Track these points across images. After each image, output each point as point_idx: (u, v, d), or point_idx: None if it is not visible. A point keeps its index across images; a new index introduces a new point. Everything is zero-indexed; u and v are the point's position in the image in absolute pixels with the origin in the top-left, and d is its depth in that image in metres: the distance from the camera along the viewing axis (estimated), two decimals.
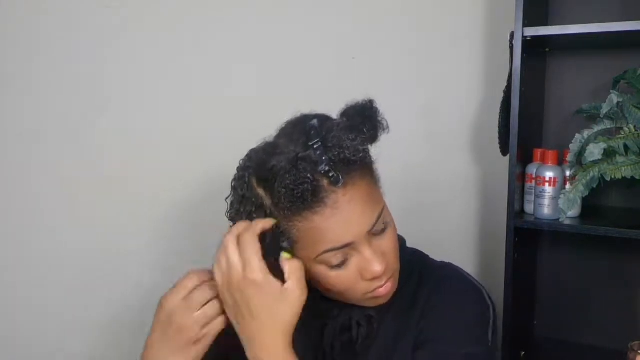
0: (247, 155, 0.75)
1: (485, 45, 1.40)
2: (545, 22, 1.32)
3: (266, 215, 0.71)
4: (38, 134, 1.42)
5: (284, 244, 0.71)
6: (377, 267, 0.70)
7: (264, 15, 1.46)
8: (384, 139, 1.47)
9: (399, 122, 1.44)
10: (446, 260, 0.89)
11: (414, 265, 0.84)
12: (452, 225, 1.49)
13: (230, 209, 0.75)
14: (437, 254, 0.90)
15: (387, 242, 0.73)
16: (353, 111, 0.74)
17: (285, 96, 1.44)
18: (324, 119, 0.73)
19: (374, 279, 0.71)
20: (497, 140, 1.22)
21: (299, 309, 0.70)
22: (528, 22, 1.12)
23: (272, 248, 0.71)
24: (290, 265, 0.70)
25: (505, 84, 1.18)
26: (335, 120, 0.74)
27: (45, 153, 1.42)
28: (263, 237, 0.71)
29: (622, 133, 1.11)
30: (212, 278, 0.72)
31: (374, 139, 0.74)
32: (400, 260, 0.78)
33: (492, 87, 1.37)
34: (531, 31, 1.12)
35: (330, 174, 0.67)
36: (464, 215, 1.47)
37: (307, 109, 0.76)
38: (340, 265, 0.71)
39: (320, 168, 0.66)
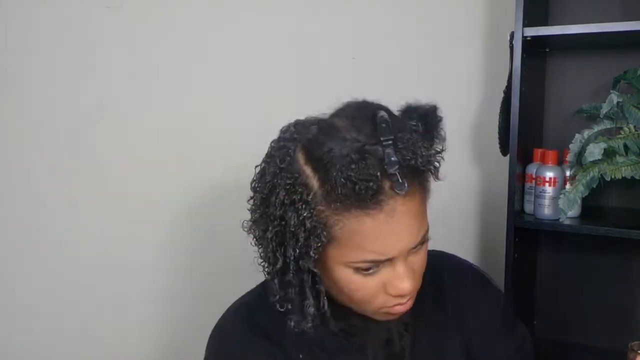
0: (294, 125, 0.66)
1: (485, 45, 1.40)
2: (545, 22, 1.32)
3: (308, 199, 0.61)
4: (37, 133, 1.42)
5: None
6: (407, 285, 0.64)
7: (264, 15, 1.46)
8: None
9: None
10: None
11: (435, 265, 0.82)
12: (452, 225, 1.48)
13: (259, 181, 0.66)
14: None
15: (420, 261, 0.68)
16: (417, 115, 0.69)
17: (285, 96, 1.44)
18: (391, 113, 0.66)
19: (398, 296, 0.66)
20: (497, 140, 1.22)
21: None
22: (528, 22, 1.12)
23: None
24: None
25: (505, 84, 1.18)
26: (405, 119, 0.68)
27: (45, 153, 1.42)
28: None
29: (622, 133, 1.11)
30: None
31: (440, 151, 0.70)
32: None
33: (492, 87, 1.37)
34: (531, 31, 1.12)
35: (395, 178, 0.60)
36: (464, 215, 1.47)
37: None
38: (370, 272, 0.64)
39: (389, 169, 0.60)
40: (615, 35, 1.12)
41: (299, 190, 0.61)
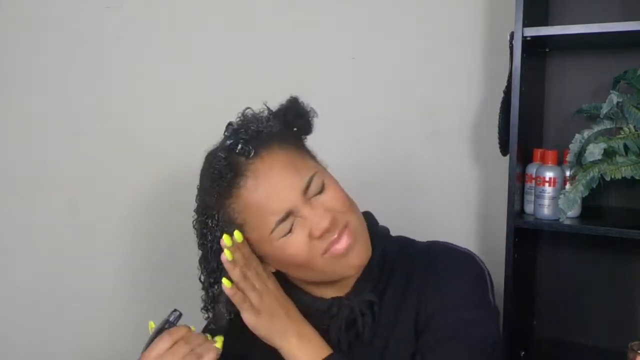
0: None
1: (485, 45, 1.40)
2: (545, 22, 1.32)
3: (211, 216, 0.76)
4: (37, 134, 1.42)
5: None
6: (323, 223, 0.71)
7: (264, 15, 1.46)
8: (383, 138, 1.48)
9: (399, 122, 1.46)
10: None
11: (405, 250, 0.84)
12: (452, 225, 1.48)
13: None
14: None
15: (328, 199, 0.74)
16: (278, 109, 0.81)
17: (285, 96, 1.44)
18: (253, 111, 0.81)
19: (324, 234, 0.72)
20: (497, 140, 1.22)
21: None
22: (528, 22, 1.12)
23: None
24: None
25: (505, 84, 1.18)
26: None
27: (45, 153, 1.42)
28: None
29: (622, 133, 1.11)
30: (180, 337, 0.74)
31: (307, 131, 0.80)
32: (388, 246, 0.80)
33: (492, 87, 1.37)
34: (531, 31, 1.12)
35: (239, 147, 0.72)
36: (464, 215, 1.47)
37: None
38: (289, 233, 0.72)
39: (229, 145, 0.73)
40: (615, 35, 1.12)
41: (208, 210, 0.77)
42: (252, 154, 0.72)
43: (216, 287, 0.75)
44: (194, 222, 0.80)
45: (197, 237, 0.80)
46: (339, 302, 0.79)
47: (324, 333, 0.79)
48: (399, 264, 0.82)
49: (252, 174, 0.72)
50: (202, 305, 0.79)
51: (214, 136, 1.44)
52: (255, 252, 0.76)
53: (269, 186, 0.72)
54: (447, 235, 1.48)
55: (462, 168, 1.46)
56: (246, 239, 0.75)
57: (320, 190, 0.74)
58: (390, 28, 1.45)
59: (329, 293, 0.80)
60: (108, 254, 1.47)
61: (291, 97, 0.81)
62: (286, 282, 0.80)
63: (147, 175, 1.47)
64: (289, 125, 0.78)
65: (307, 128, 0.80)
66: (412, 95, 1.46)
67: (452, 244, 0.86)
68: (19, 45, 1.40)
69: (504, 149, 1.20)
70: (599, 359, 1.34)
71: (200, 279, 0.79)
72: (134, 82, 1.44)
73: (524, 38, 1.12)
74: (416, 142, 1.47)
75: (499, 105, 1.20)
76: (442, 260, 0.82)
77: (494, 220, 1.40)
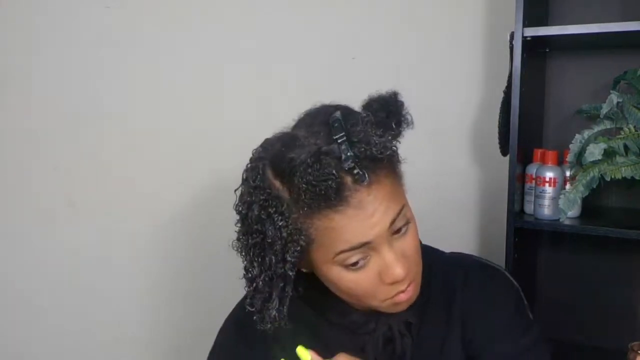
0: (261, 146, 0.70)
1: (485, 46, 1.40)
2: (545, 23, 1.32)
3: (282, 209, 0.65)
4: (38, 134, 1.42)
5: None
6: (398, 270, 0.66)
7: (264, 15, 1.46)
8: None
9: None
10: None
11: (435, 262, 0.81)
12: (452, 225, 1.48)
13: (239, 201, 0.69)
14: None
15: (408, 244, 0.69)
16: (377, 104, 0.71)
17: (285, 96, 1.45)
18: (346, 111, 0.69)
19: (395, 282, 0.67)
20: (497, 140, 1.22)
21: None
22: (528, 22, 1.12)
23: None
24: None
25: (505, 84, 1.18)
26: (359, 113, 0.69)
27: (45, 153, 1.42)
28: None
29: (622, 133, 1.11)
30: None
31: (398, 134, 0.71)
32: (423, 259, 0.75)
33: (492, 87, 1.37)
34: (531, 31, 1.12)
35: (355, 171, 0.62)
36: (464, 215, 1.47)
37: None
38: (360, 267, 0.66)
39: (345, 165, 0.62)
40: (615, 36, 1.12)
41: (273, 203, 0.65)
42: (366, 182, 0.63)
43: (270, 285, 0.68)
44: (244, 205, 0.68)
45: (244, 217, 0.68)
46: (377, 318, 0.75)
47: (360, 350, 0.76)
48: (433, 278, 0.79)
49: (356, 202, 0.63)
50: (247, 301, 0.70)
51: (215, 136, 1.45)
52: (307, 263, 0.70)
53: (365, 218, 0.64)
54: (447, 235, 1.49)
55: (462, 168, 1.46)
56: (308, 253, 0.68)
57: (403, 228, 0.68)
58: (390, 28, 1.45)
59: (366, 306, 0.74)
60: (108, 254, 1.47)
61: (393, 92, 0.72)
62: (322, 286, 0.74)
63: (147, 175, 1.47)
64: (393, 134, 0.70)
65: (399, 133, 0.72)
66: (411, 95, 1.46)
67: (481, 258, 0.85)
68: (19, 45, 1.40)
69: (504, 149, 1.20)
70: (599, 359, 1.34)
71: (245, 266, 0.70)
72: (134, 82, 1.44)
73: (524, 38, 1.12)
74: (416, 142, 1.46)
75: (499, 105, 1.20)
76: (482, 279, 0.80)
77: (494, 220, 1.40)
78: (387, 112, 0.70)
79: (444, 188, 1.47)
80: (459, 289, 0.78)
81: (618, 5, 1.27)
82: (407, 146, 1.53)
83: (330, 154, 0.62)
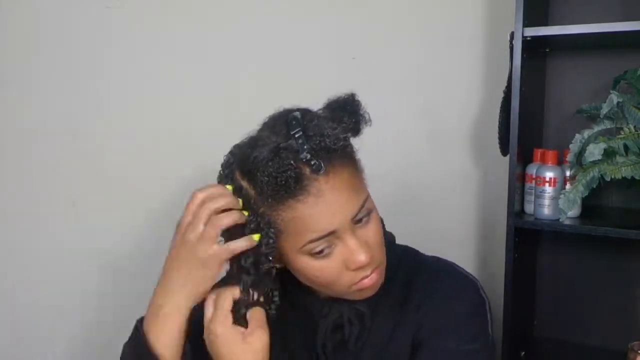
0: (230, 152, 0.77)
1: (485, 45, 1.40)
2: (545, 22, 1.32)
3: (250, 207, 0.71)
4: (38, 134, 1.42)
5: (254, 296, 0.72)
6: (362, 257, 0.70)
7: (264, 15, 1.46)
8: (383, 138, 1.47)
9: (399, 122, 1.46)
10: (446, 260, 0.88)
11: (404, 261, 0.84)
12: (452, 225, 1.48)
13: None
14: (436, 254, 0.90)
15: (371, 233, 0.73)
16: (335, 104, 0.75)
17: (285, 96, 1.44)
18: (305, 111, 0.74)
19: (359, 268, 0.71)
20: (497, 140, 1.22)
21: (262, 350, 0.71)
22: (528, 22, 1.12)
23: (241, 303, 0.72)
24: (251, 313, 0.72)
25: (505, 84, 1.18)
26: (316, 111, 0.75)
27: (46, 153, 1.42)
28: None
29: (622, 133, 1.11)
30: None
31: (356, 131, 0.75)
32: (390, 256, 0.78)
33: (492, 87, 1.37)
34: (531, 31, 1.12)
35: (312, 162, 0.67)
36: (464, 216, 1.47)
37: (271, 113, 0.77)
38: (325, 255, 0.71)
39: (302, 156, 0.67)
40: (615, 35, 1.12)
41: (244, 202, 0.72)
42: (322, 172, 0.68)
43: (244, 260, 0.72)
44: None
45: None
46: (330, 304, 0.79)
47: (313, 332, 0.79)
48: (397, 275, 0.81)
49: (315, 191, 0.68)
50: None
51: (215, 136, 1.45)
52: (278, 257, 0.74)
53: (326, 207, 0.68)
54: (447, 235, 1.49)
55: (462, 168, 1.46)
56: (278, 245, 0.72)
57: (365, 219, 0.72)
58: (391, 28, 1.45)
59: (323, 293, 0.79)
60: (108, 254, 1.47)
61: (350, 93, 0.76)
62: (287, 272, 0.78)
63: (147, 174, 1.47)
64: (345, 127, 0.73)
65: (356, 129, 0.75)
66: (412, 95, 1.46)
67: (457, 265, 0.85)
68: (19, 45, 1.40)
69: (504, 149, 1.20)
70: (599, 359, 1.34)
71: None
72: (134, 82, 1.44)
73: (524, 38, 1.12)
74: (416, 142, 1.47)
75: (499, 105, 1.20)
76: (445, 280, 0.81)
77: (494, 220, 1.40)
78: (343, 110, 0.74)
79: (444, 188, 1.47)
80: (420, 283, 0.80)
81: (618, 5, 1.28)
82: (407, 146, 1.54)
83: (288, 149, 0.68)
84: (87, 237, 1.45)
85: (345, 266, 0.71)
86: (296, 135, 0.68)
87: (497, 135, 1.22)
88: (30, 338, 1.46)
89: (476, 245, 1.48)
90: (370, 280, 0.73)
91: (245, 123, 1.53)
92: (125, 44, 1.43)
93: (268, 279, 0.74)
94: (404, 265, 0.83)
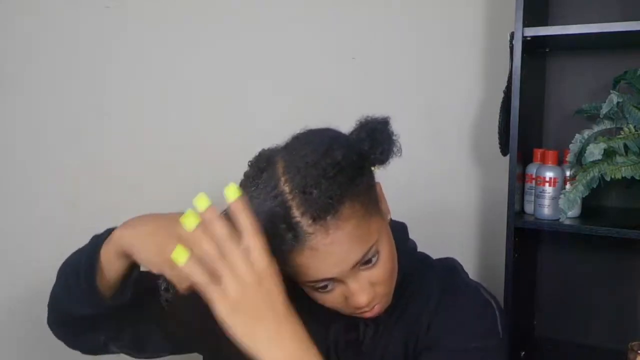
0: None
1: (485, 45, 1.40)
2: (545, 22, 1.32)
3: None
4: (38, 134, 1.42)
5: None
6: (362, 300, 0.67)
7: (264, 15, 1.46)
8: None
9: (399, 122, 1.45)
10: None
11: (423, 273, 0.81)
12: (452, 225, 1.49)
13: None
14: (436, 254, 0.90)
15: (376, 273, 0.68)
16: (364, 133, 0.71)
17: (285, 96, 1.45)
18: (323, 146, 0.66)
19: (359, 307, 0.69)
20: (497, 140, 1.23)
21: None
22: (528, 22, 1.12)
23: None
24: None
25: (505, 84, 1.18)
26: (322, 156, 0.65)
27: (46, 153, 1.42)
28: None
29: (622, 133, 1.11)
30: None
31: (382, 162, 0.70)
32: (412, 266, 0.76)
33: (492, 87, 1.37)
34: (531, 31, 1.12)
35: (305, 222, 0.62)
36: (464, 215, 1.47)
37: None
38: (327, 290, 0.68)
39: (296, 220, 0.62)
40: (615, 35, 1.12)
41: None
42: (317, 231, 0.62)
43: None
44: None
45: None
46: None
47: (325, 332, 0.78)
48: (421, 288, 0.79)
49: (311, 245, 0.62)
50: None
51: (215, 136, 1.45)
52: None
53: (323, 259, 0.63)
54: (447, 235, 1.49)
55: (462, 168, 1.46)
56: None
57: (373, 259, 0.67)
58: (391, 28, 1.45)
59: None
60: None
61: (384, 120, 0.71)
62: None
63: (148, 174, 1.47)
64: (365, 158, 0.68)
65: (382, 160, 0.70)
66: (412, 95, 1.46)
67: (467, 277, 0.83)
68: (19, 46, 1.40)
69: (504, 149, 1.20)
70: (599, 359, 1.34)
71: None
72: (134, 81, 1.44)
73: (524, 38, 1.12)
74: (416, 142, 1.47)
75: (499, 105, 1.20)
76: (455, 293, 0.79)
77: (494, 220, 1.40)
78: (372, 142, 0.70)
79: (444, 188, 1.47)
80: (434, 302, 0.77)
81: (618, 5, 1.28)
82: (408, 146, 1.53)
83: (285, 208, 0.62)
84: (88, 237, 1.45)
85: (346, 302, 0.69)
86: (294, 189, 0.62)
87: (497, 135, 1.22)
88: (30, 339, 1.46)
89: (476, 245, 1.48)
90: (372, 313, 0.71)
91: (246, 123, 1.53)
92: (125, 44, 1.43)
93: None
94: (425, 278, 0.80)
